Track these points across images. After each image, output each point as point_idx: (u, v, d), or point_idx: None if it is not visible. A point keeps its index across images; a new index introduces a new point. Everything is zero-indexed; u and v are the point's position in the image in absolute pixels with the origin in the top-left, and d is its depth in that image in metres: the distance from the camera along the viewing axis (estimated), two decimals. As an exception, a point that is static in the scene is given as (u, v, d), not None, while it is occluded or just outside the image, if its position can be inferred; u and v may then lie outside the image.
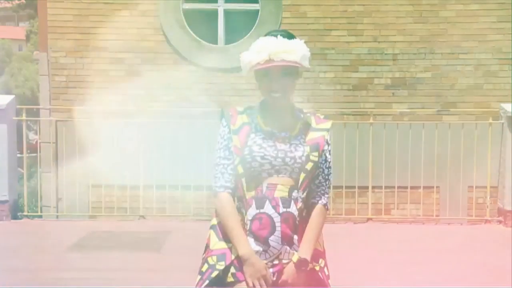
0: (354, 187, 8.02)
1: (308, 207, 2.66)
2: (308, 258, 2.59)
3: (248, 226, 2.59)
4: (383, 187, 8.04)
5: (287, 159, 2.59)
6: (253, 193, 2.60)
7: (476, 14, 8.50)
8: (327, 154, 2.69)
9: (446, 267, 5.81)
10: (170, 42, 8.60)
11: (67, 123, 8.32)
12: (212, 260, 2.64)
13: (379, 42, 8.57)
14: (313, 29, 8.48)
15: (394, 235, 7.22)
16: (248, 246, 2.57)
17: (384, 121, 8.16)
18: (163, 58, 8.60)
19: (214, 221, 2.73)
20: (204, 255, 2.71)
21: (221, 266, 2.61)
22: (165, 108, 8.40)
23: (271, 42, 2.58)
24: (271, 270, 2.59)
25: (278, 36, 2.58)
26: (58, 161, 8.42)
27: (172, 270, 5.51)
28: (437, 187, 8.16)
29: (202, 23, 8.75)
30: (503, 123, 7.93)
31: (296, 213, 2.61)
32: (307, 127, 2.66)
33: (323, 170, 2.67)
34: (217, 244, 2.66)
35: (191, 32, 8.65)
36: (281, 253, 2.60)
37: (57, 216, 8.20)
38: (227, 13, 8.73)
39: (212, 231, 2.72)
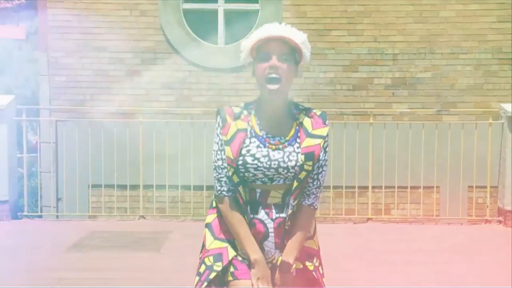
0: (354, 187, 8.02)
1: (298, 209, 2.64)
2: (291, 261, 2.59)
3: None
4: (383, 187, 8.04)
5: (281, 169, 2.57)
6: (247, 198, 2.61)
7: (476, 14, 8.50)
8: (323, 161, 2.64)
9: (446, 267, 5.81)
10: (170, 42, 8.60)
11: (67, 123, 8.32)
12: (209, 260, 2.64)
13: (379, 42, 8.57)
14: (313, 29, 8.47)
15: (394, 235, 7.22)
16: (259, 252, 2.59)
17: (384, 121, 8.16)
18: (163, 58, 8.60)
19: (209, 219, 2.73)
20: (201, 254, 2.71)
21: (218, 267, 2.61)
22: (165, 108, 8.40)
23: (273, 24, 2.59)
24: None
25: (282, 23, 2.61)
26: (58, 161, 8.42)
27: (172, 270, 5.51)
28: (437, 187, 8.16)
29: (202, 23, 8.75)
30: (503, 123, 7.93)
31: (288, 217, 2.61)
32: (302, 130, 2.60)
33: (312, 170, 2.62)
34: (213, 243, 2.66)
35: (191, 32, 8.65)
36: (274, 257, 2.63)
37: (57, 216, 8.20)
38: (227, 13, 8.73)
39: (207, 230, 2.72)
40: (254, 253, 2.58)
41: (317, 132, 2.61)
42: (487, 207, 7.99)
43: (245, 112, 2.64)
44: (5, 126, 7.70)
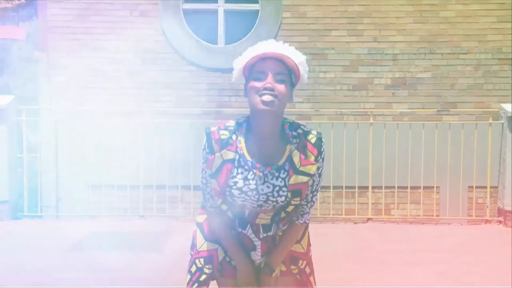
0: (354, 187, 8.02)
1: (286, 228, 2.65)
2: (274, 266, 2.61)
3: None
4: (383, 187, 8.04)
5: (269, 201, 2.52)
6: (236, 215, 2.60)
7: (476, 14, 8.50)
8: (314, 190, 2.57)
9: (446, 267, 5.81)
10: (170, 42, 8.60)
11: (67, 123, 8.32)
12: (199, 262, 2.68)
13: (379, 42, 8.57)
14: (313, 29, 8.48)
15: (394, 235, 7.22)
16: (250, 269, 2.62)
17: (384, 121, 8.16)
18: (163, 58, 8.60)
19: (200, 219, 2.76)
20: (192, 252, 2.74)
21: (208, 269, 2.66)
22: (165, 108, 8.40)
23: (269, 42, 2.45)
24: None
25: (279, 40, 2.47)
26: (58, 161, 8.42)
27: (172, 270, 5.50)
28: (437, 187, 8.16)
29: (202, 23, 8.75)
30: (503, 123, 7.93)
31: (277, 236, 2.63)
32: (291, 163, 2.46)
33: (307, 194, 2.56)
34: (204, 245, 2.70)
35: (191, 32, 8.65)
36: (261, 263, 2.65)
37: (57, 216, 8.20)
38: (227, 13, 8.73)
39: (198, 230, 2.75)
40: (240, 261, 2.61)
41: (305, 169, 2.46)
42: (487, 207, 7.99)
43: (233, 137, 2.47)
44: (5, 126, 7.71)
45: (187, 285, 2.69)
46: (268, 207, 2.54)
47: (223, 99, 8.44)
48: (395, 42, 8.57)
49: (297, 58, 2.41)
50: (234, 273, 2.65)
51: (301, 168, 2.46)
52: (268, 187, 2.47)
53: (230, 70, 2.59)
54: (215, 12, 8.70)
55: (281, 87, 2.39)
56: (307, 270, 2.75)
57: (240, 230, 2.60)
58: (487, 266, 5.87)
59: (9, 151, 7.75)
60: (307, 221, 2.66)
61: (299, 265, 2.72)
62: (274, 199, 2.50)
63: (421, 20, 8.54)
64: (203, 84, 8.58)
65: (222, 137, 2.47)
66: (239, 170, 2.47)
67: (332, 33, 8.56)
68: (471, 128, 7.98)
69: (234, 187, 2.48)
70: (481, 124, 7.98)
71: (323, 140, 2.51)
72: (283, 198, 2.49)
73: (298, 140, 2.47)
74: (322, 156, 2.50)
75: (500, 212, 7.93)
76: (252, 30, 8.56)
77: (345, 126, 7.95)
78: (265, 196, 2.49)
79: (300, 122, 2.62)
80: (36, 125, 8.47)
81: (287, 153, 2.47)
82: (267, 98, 2.37)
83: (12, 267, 5.69)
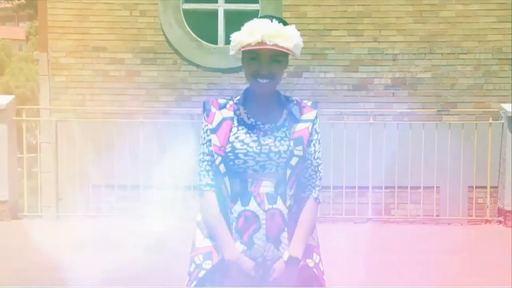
0: (354, 187, 8.02)
1: (298, 201, 2.57)
2: (299, 256, 2.52)
3: (234, 224, 2.52)
4: (383, 187, 8.04)
5: (272, 154, 2.49)
6: (238, 189, 2.51)
7: (476, 14, 8.51)
8: (316, 145, 2.59)
9: (446, 267, 5.81)
10: (170, 42, 8.60)
11: (67, 123, 8.32)
12: (198, 259, 2.60)
13: (379, 42, 8.57)
14: (313, 29, 8.48)
15: (394, 235, 7.22)
16: (234, 250, 2.50)
17: (384, 121, 8.16)
18: (163, 58, 8.60)
19: (199, 218, 2.69)
20: (191, 253, 2.68)
21: (207, 265, 2.57)
22: (165, 108, 8.40)
23: (265, 24, 2.47)
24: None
25: (273, 20, 2.48)
26: (58, 161, 8.42)
27: (172, 270, 5.50)
28: (437, 187, 8.16)
29: (202, 23, 8.75)
30: (503, 123, 7.93)
31: (284, 209, 2.52)
32: (292, 117, 2.56)
33: (311, 162, 2.58)
34: (203, 242, 2.63)
35: (191, 32, 8.66)
36: (265, 250, 2.52)
37: (57, 216, 8.20)
38: (227, 13, 8.73)
39: (197, 228, 2.69)
40: (228, 252, 2.50)
41: (305, 116, 2.58)
42: (487, 207, 8.00)
43: (230, 102, 2.59)
44: (5, 126, 7.71)
45: (186, 285, 2.66)
46: (271, 168, 2.50)
47: (223, 99, 8.43)
48: (395, 42, 8.57)
49: (291, 42, 2.48)
50: (229, 272, 2.56)
51: (301, 117, 2.57)
52: (269, 138, 2.52)
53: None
54: (215, 12, 8.70)
55: (276, 67, 2.51)
56: (321, 266, 2.66)
57: (243, 208, 2.51)
58: (487, 266, 5.87)
59: (9, 151, 7.75)
60: (319, 200, 2.63)
61: (314, 258, 2.63)
62: (277, 149, 2.49)
63: (421, 20, 8.54)
64: (203, 84, 8.59)
65: (220, 102, 2.60)
66: (240, 127, 2.54)
67: (332, 33, 8.56)
68: (471, 128, 7.98)
69: (236, 140, 2.51)
70: (481, 124, 7.98)
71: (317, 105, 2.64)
72: (285, 147, 2.50)
73: (294, 102, 2.61)
74: (317, 114, 2.61)
75: (500, 212, 7.93)
76: (252, 30, 8.55)
77: (345, 126, 7.95)
78: (267, 147, 2.49)
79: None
80: (36, 125, 8.47)
81: (284, 114, 2.58)
82: (263, 81, 2.50)
83: (12, 267, 5.69)
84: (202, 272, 2.57)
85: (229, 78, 8.40)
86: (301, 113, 2.58)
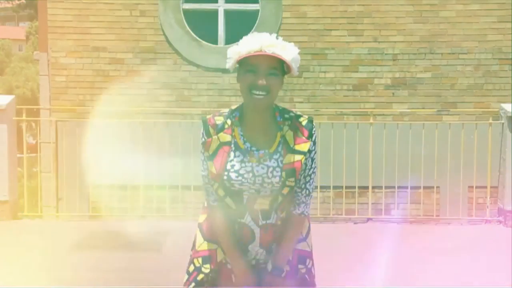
0: (354, 187, 8.02)
1: (287, 216, 2.65)
2: (282, 265, 2.62)
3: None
4: (383, 187, 8.04)
5: (265, 184, 2.54)
6: (234, 204, 2.60)
7: (476, 14, 8.51)
8: (306, 170, 2.58)
9: (446, 267, 5.81)
10: (170, 42, 8.60)
11: (67, 123, 8.32)
12: (198, 262, 2.68)
13: (379, 42, 8.57)
14: (313, 29, 8.48)
15: (394, 235, 7.22)
16: (241, 266, 2.61)
17: (384, 121, 8.16)
18: (163, 58, 8.60)
19: (201, 219, 2.77)
20: (191, 253, 2.74)
21: (206, 269, 2.66)
22: (165, 108, 8.40)
23: (264, 35, 2.48)
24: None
25: (272, 34, 2.50)
26: (58, 161, 8.42)
27: (172, 270, 5.50)
28: (437, 187, 8.16)
29: (202, 23, 8.75)
30: (503, 123, 7.93)
31: (277, 224, 2.62)
32: (286, 145, 2.54)
33: (300, 179, 2.59)
34: (202, 244, 2.70)
35: (191, 32, 8.66)
36: (257, 254, 2.66)
37: (57, 216, 8.20)
38: (227, 13, 8.73)
39: (198, 230, 2.76)
40: (238, 264, 2.61)
41: (299, 147, 2.54)
42: (487, 207, 7.99)
43: (228, 122, 2.56)
44: (5, 126, 7.70)
45: (184, 285, 2.69)
46: (265, 192, 2.56)
47: (223, 99, 8.43)
48: (395, 42, 8.57)
49: (290, 54, 2.46)
50: (231, 276, 2.65)
51: (295, 147, 2.53)
52: (262, 168, 2.53)
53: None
54: (215, 12, 8.70)
55: (273, 81, 2.47)
56: (313, 271, 2.76)
57: (238, 220, 2.61)
58: (487, 266, 5.87)
59: (9, 151, 7.75)
60: (305, 213, 2.65)
61: (307, 264, 2.71)
62: (269, 180, 2.53)
63: (421, 20, 8.54)
64: (203, 84, 8.59)
65: (217, 122, 2.56)
66: (236, 153, 2.54)
67: (332, 33, 8.56)
68: (471, 128, 7.98)
69: (232, 170, 2.53)
70: (481, 124, 7.98)
71: (314, 123, 2.59)
72: (277, 179, 2.53)
73: (289, 122, 2.56)
74: (314, 139, 2.57)
75: (500, 212, 7.92)
76: (252, 30, 8.54)
77: (345, 126, 7.95)
78: (260, 178, 2.53)
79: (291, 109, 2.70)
80: (36, 125, 8.48)
81: (278, 139, 2.55)
82: (259, 94, 2.46)
83: (12, 267, 5.68)
84: (201, 276, 2.66)
85: (229, 78, 8.40)
86: (295, 142, 2.54)
